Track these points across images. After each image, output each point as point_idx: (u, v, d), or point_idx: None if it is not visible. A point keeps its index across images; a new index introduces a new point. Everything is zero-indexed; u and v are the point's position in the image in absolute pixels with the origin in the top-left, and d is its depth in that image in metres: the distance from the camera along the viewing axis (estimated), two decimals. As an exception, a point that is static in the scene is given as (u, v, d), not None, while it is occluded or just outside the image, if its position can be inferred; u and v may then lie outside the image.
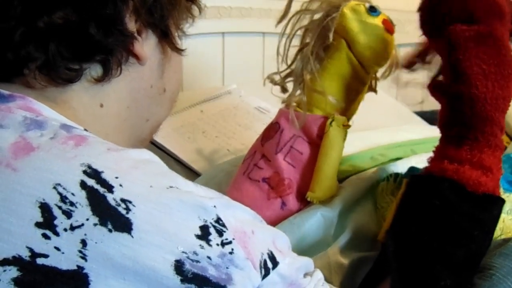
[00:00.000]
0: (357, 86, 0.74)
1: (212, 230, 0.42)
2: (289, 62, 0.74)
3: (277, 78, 0.76)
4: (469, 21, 0.59)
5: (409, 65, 0.73)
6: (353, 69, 0.72)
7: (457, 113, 0.59)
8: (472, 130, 0.58)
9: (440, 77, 0.66)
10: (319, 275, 0.50)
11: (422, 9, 0.64)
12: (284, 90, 0.76)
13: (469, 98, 0.57)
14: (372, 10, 0.71)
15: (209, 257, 0.41)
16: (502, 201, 0.57)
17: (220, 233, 0.42)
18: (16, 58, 0.47)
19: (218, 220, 0.42)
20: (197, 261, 0.40)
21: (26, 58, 0.47)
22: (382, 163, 0.85)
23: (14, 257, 0.39)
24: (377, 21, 0.71)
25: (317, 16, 0.72)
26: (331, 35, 0.69)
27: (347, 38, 0.71)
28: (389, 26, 0.71)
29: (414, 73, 0.73)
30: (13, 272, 0.39)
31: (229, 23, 1.28)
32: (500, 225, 0.65)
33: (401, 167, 0.80)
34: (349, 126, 0.74)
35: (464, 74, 0.57)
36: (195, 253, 0.41)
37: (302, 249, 0.66)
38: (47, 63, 0.47)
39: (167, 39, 0.55)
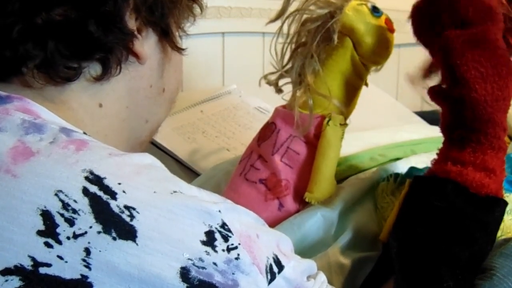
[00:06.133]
0: (356, 82, 0.74)
1: (217, 235, 0.41)
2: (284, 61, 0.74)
3: (272, 78, 0.75)
4: (461, 25, 0.59)
5: (428, 74, 0.72)
6: (354, 67, 0.72)
7: (459, 117, 0.59)
8: (474, 132, 0.58)
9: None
10: (322, 277, 0.50)
11: (413, 17, 0.64)
12: (279, 91, 0.76)
13: (470, 102, 0.57)
14: (376, 11, 0.70)
15: (215, 263, 0.40)
16: (504, 203, 0.57)
17: (225, 238, 0.41)
18: (14, 55, 0.46)
19: (224, 225, 0.42)
20: (203, 268, 0.40)
21: (25, 55, 0.46)
22: (381, 163, 0.85)
23: (16, 266, 0.38)
24: (381, 21, 0.70)
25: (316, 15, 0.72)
26: (335, 37, 0.69)
27: (352, 38, 0.70)
28: (390, 26, 0.71)
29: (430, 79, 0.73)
30: (15, 282, 0.38)
31: (229, 23, 1.28)
32: (500, 225, 0.65)
33: (401, 167, 0.80)
34: (346, 125, 0.73)
35: (462, 78, 0.57)
36: (200, 259, 0.40)
37: (302, 250, 0.66)
38: (46, 61, 0.47)
39: (167, 38, 0.54)
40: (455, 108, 0.59)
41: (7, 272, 0.38)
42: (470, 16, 0.59)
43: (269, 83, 0.76)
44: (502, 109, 0.58)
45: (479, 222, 0.55)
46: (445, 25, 0.60)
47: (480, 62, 0.57)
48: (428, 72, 0.72)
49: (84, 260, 0.38)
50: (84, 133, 0.47)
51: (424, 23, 0.62)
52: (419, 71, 0.72)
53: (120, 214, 0.40)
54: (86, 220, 0.39)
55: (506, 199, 0.59)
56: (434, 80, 0.71)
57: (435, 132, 0.63)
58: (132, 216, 0.40)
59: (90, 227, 0.39)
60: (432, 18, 0.61)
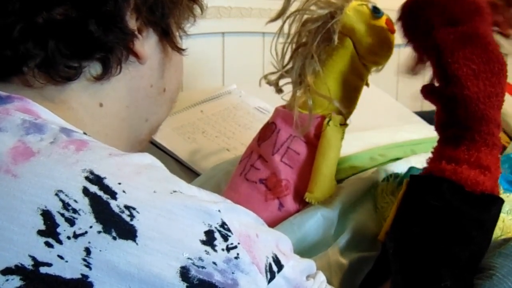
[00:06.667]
0: (357, 82, 0.74)
1: (217, 235, 0.41)
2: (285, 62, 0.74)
3: (273, 78, 0.75)
4: (451, 24, 0.59)
5: (414, 70, 0.72)
6: (355, 67, 0.72)
7: (452, 115, 0.59)
8: (468, 130, 0.58)
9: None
10: (321, 277, 0.50)
11: (402, 18, 0.64)
12: (279, 91, 0.76)
13: (462, 100, 0.57)
14: (376, 11, 0.70)
15: (214, 263, 0.40)
16: (501, 201, 0.57)
17: (225, 237, 0.42)
18: (15, 55, 0.46)
19: (223, 224, 0.42)
20: (203, 267, 0.40)
21: (25, 55, 0.46)
22: (381, 163, 0.85)
23: (16, 266, 0.39)
24: (382, 22, 0.71)
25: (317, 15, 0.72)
26: (336, 38, 0.69)
27: (353, 39, 0.71)
28: (391, 26, 0.71)
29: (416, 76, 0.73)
30: (16, 281, 0.38)
31: (229, 23, 1.28)
32: (500, 225, 0.65)
33: (401, 167, 0.80)
34: (346, 125, 0.74)
35: (454, 76, 0.57)
36: (200, 259, 0.40)
37: (302, 250, 0.66)
38: (46, 61, 0.47)
39: (168, 38, 0.54)
40: (448, 107, 0.59)
41: (7, 271, 0.39)
42: (458, 14, 0.59)
43: (269, 83, 0.76)
44: (495, 105, 0.58)
45: (476, 221, 0.55)
46: (435, 25, 0.59)
47: (471, 59, 0.57)
48: (413, 70, 0.72)
49: (84, 260, 0.38)
50: (84, 133, 0.47)
51: (414, 24, 0.62)
52: (406, 69, 0.72)
53: (120, 214, 0.40)
54: (87, 220, 0.39)
55: (506, 199, 0.59)
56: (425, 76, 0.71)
57: (435, 132, 0.63)
58: (132, 216, 0.40)
59: (91, 226, 0.39)
60: (421, 18, 0.61)
